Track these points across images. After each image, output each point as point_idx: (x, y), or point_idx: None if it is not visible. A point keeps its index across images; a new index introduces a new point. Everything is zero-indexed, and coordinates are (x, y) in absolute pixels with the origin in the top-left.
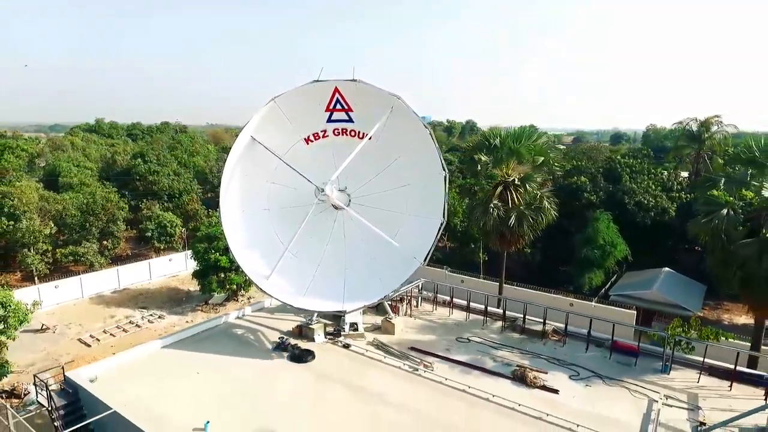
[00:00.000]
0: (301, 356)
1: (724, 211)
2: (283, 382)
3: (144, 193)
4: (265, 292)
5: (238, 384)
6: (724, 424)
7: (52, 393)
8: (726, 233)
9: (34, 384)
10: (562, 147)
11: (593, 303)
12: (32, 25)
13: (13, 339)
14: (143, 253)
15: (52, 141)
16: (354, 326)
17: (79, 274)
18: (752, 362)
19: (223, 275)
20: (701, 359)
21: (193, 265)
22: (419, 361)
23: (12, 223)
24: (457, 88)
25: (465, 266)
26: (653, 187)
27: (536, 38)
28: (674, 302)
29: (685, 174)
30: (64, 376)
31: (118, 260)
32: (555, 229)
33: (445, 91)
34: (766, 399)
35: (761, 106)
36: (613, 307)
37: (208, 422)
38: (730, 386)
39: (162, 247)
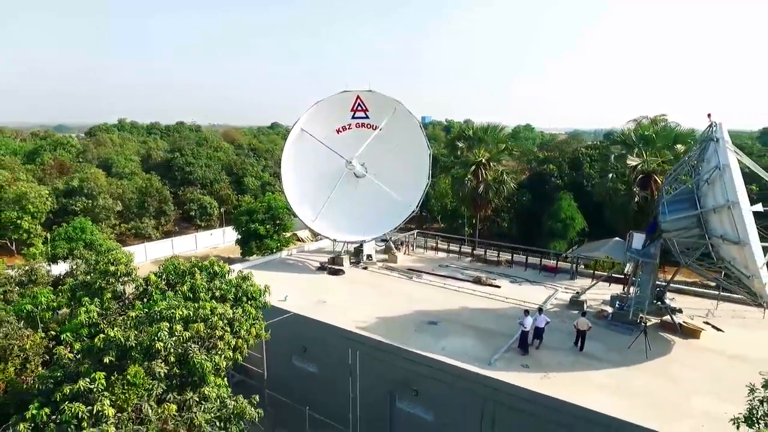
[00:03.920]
0: (336, 272)
1: (610, 175)
2: (326, 283)
3: (181, 182)
4: (312, 229)
5: (298, 284)
6: (585, 290)
7: None
8: (613, 190)
9: None
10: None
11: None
12: (27, 28)
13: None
14: (185, 230)
15: (96, 138)
16: (369, 257)
17: (136, 244)
18: None
19: (260, 242)
20: (595, 272)
21: (229, 239)
22: (413, 274)
23: (90, 201)
24: (457, 89)
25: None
26: (625, 176)
27: (535, 39)
28: (615, 261)
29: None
30: None
31: (168, 234)
32: (529, 208)
33: (446, 92)
34: (623, 288)
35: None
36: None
37: (287, 296)
38: (609, 285)
39: (202, 225)
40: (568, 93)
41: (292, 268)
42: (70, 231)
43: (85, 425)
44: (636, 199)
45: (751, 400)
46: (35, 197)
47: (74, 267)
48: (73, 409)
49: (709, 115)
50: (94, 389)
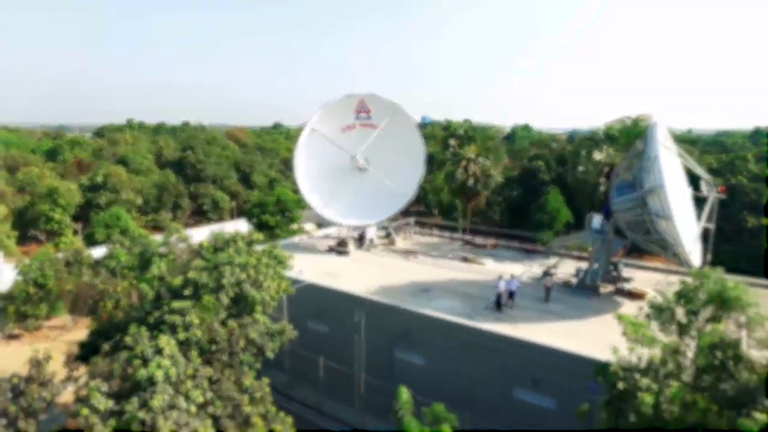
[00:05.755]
0: (343, 252)
1: (580, 167)
2: (334, 261)
3: (193, 178)
4: (316, 222)
5: (310, 262)
6: (554, 265)
7: None
8: (582, 181)
9: None
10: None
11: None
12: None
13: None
14: (198, 223)
15: (109, 137)
16: (371, 241)
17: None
18: None
19: (271, 232)
20: (570, 252)
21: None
22: (410, 255)
23: (114, 195)
24: (457, 89)
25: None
26: (592, 168)
27: (535, 39)
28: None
29: None
30: None
31: (182, 227)
32: (519, 201)
33: (445, 92)
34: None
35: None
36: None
37: (301, 270)
38: (579, 262)
39: (214, 218)
40: (567, 93)
41: (304, 250)
42: (107, 218)
43: (180, 330)
44: (602, 189)
45: (639, 315)
46: (65, 191)
47: (113, 250)
48: (172, 318)
49: (650, 116)
50: (184, 308)
